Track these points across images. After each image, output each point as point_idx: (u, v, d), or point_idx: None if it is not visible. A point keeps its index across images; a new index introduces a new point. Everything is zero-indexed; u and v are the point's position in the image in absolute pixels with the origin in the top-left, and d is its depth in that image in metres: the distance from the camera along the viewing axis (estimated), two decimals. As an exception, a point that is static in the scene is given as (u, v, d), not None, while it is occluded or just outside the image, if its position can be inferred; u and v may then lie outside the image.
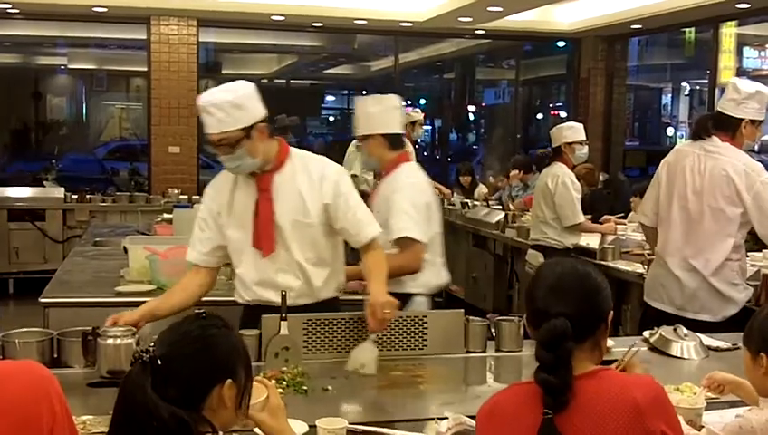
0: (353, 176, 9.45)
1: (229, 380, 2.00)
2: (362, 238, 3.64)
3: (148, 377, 1.91)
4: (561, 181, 6.67)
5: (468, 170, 11.32)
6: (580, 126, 6.97)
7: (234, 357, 2.05)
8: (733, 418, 2.61)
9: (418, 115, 10.18)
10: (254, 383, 2.18)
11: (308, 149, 3.79)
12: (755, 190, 4.49)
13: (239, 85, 3.52)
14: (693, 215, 4.63)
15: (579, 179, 7.04)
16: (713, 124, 4.66)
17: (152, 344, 1.98)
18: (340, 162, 3.89)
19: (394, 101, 4.38)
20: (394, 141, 4.31)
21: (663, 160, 4.87)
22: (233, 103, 3.44)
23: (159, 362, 1.93)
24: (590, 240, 6.97)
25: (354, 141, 9.59)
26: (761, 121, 4.64)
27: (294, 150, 3.72)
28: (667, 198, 4.76)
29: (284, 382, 3.14)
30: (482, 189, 10.70)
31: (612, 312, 2.26)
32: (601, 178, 10.05)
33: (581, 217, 6.79)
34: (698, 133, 4.70)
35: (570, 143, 6.80)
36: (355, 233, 3.64)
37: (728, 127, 4.61)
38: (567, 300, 2.20)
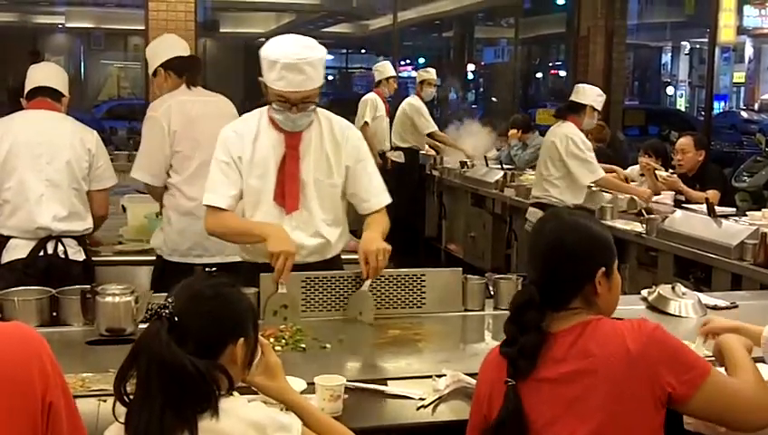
0: (365, 123, 9.68)
1: (242, 338, 2.04)
2: (372, 206, 3.65)
3: (167, 332, 1.93)
4: (573, 142, 6.56)
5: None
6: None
7: (246, 316, 2.09)
8: None
9: (428, 75, 10.25)
10: None
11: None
12: None
13: (309, 39, 3.46)
14: None
15: (587, 135, 6.95)
16: None
17: (170, 300, 1.99)
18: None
19: None
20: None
21: None
22: (322, 60, 3.41)
23: (177, 319, 1.95)
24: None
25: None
26: None
27: (319, 109, 3.65)
28: None
29: (283, 340, 3.15)
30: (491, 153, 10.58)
31: (604, 268, 2.26)
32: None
33: (600, 172, 6.72)
34: None
35: (594, 109, 6.74)
36: (366, 199, 3.65)
37: None
38: (538, 268, 2.27)
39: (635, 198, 6.79)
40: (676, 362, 2.13)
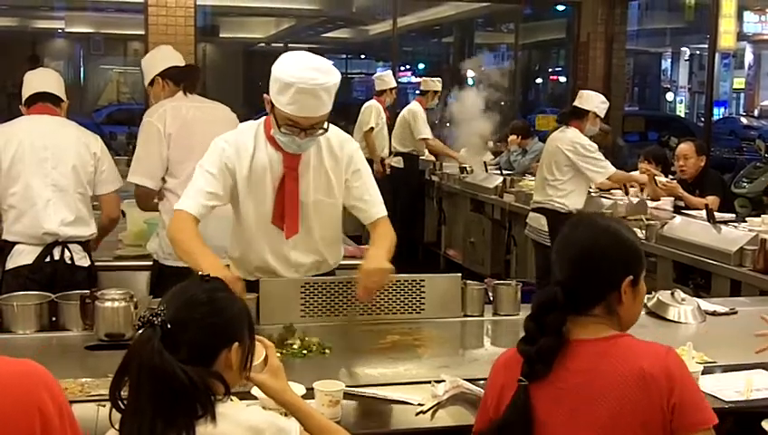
0: (371, 129, 9.72)
1: (236, 343, 2.03)
2: (374, 214, 3.55)
3: (159, 340, 1.92)
4: (581, 146, 6.55)
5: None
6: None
7: (240, 320, 2.07)
8: (730, 382, 2.61)
9: (438, 86, 10.33)
10: None
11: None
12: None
13: (324, 60, 3.29)
14: None
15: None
16: None
17: (162, 308, 1.98)
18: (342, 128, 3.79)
19: None
20: None
21: None
22: (336, 85, 3.24)
23: (169, 326, 1.94)
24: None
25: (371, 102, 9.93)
26: None
27: None
28: None
29: (284, 350, 3.13)
30: (488, 156, 10.60)
31: (632, 276, 2.21)
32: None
33: (611, 168, 6.70)
34: None
35: (596, 115, 6.72)
36: (367, 209, 3.55)
37: None
38: (566, 268, 2.23)
39: (635, 183, 6.89)
40: (686, 399, 2.08)
